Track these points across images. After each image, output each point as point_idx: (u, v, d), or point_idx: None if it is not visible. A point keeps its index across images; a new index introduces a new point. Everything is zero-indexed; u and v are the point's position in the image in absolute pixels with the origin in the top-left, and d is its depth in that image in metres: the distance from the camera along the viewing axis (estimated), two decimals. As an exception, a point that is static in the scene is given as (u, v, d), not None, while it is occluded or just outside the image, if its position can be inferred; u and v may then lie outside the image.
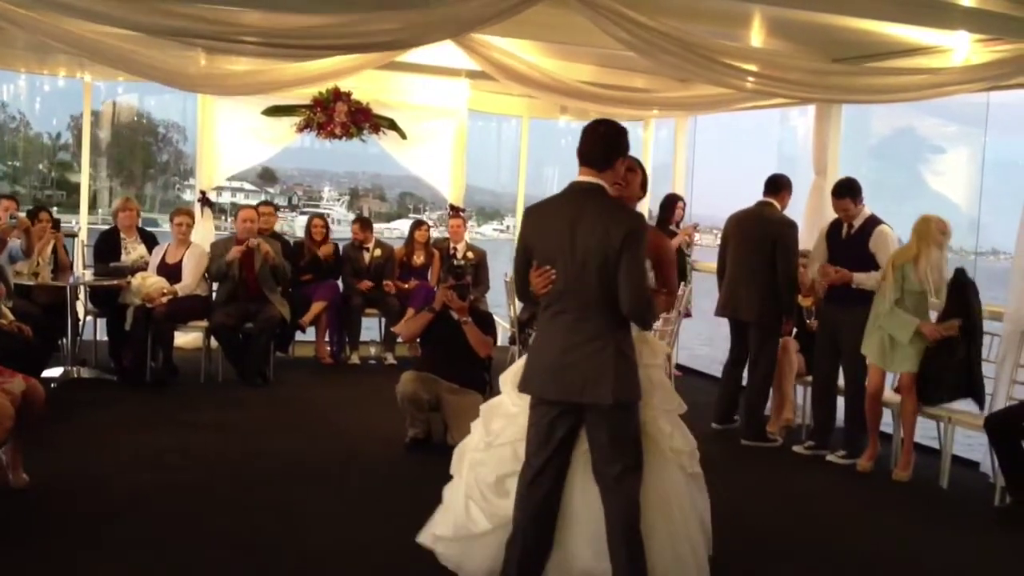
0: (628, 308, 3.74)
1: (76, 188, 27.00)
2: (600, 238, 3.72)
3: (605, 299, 3.75)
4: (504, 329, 9.63)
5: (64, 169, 29.24)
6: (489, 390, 6.86)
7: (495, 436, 4.25)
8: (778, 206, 7.38)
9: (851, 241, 6.83)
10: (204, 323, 8.29)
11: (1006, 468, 5.97)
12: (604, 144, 3.87)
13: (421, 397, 6.44)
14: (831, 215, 8.26)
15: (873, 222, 6.81)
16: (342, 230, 9.97)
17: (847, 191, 6.82)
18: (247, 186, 31.75)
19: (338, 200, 30.53)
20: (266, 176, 32.84)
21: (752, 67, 6.96)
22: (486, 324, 6.82)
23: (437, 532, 4.35)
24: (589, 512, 3.94)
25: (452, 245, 10.00)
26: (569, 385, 3.81)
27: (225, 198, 30.46)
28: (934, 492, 6.41)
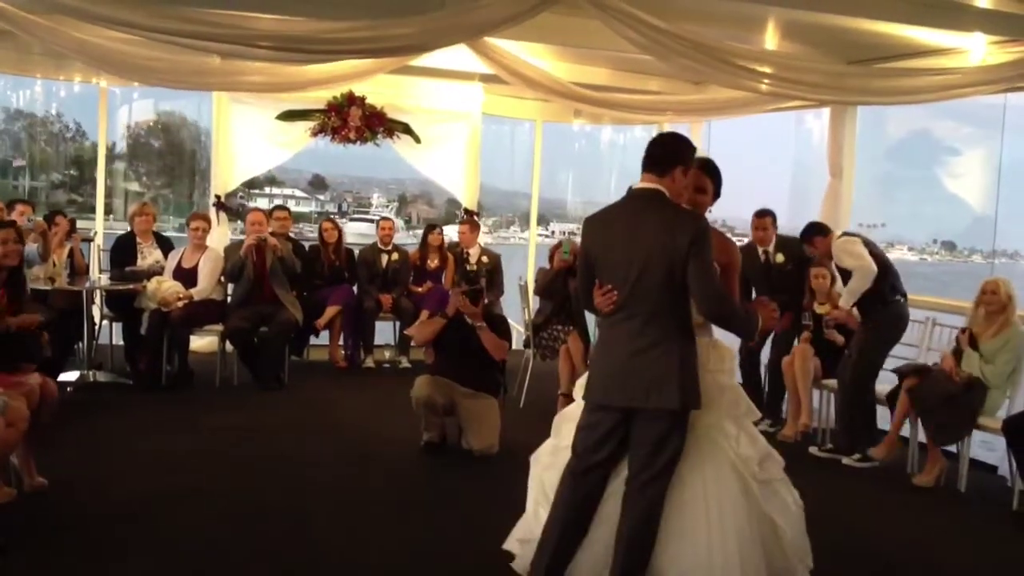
0: (707, 310, 3.80)
1: (134, 197, 27.43)
2: (664, 243, 3.75)
3: (670, 305, 3.79)
4: (519, 333, 9.62)
5: (119, 178, 29.94)
6: (504, 393, 6.88)
7: (563, 438, 4.24)
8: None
9: (841, 268, 6.97)
10: (219, 327, 8.32)
11: (1024, 472, 5.94)
12: (664, 152, 3.93)
13: (436, 401, 6.43)
14: (846, 219, 8.28)
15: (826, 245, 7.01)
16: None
17: (817, 231, 7.01)
18: (298, 193, 32.61)
19: (387, 206, 31.18)
20: (316, 183, 33.48)
21: (767, 69, 6.94)
22: (501, 328, 6.80)
23: (516, 537, 4.34)
24: (705, 527, 3.92)
25: (465, 250, 9.98)
26: (633, 391, 3.85)
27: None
28: (952, 496, 6.37)
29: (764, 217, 8.06)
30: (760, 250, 7.98)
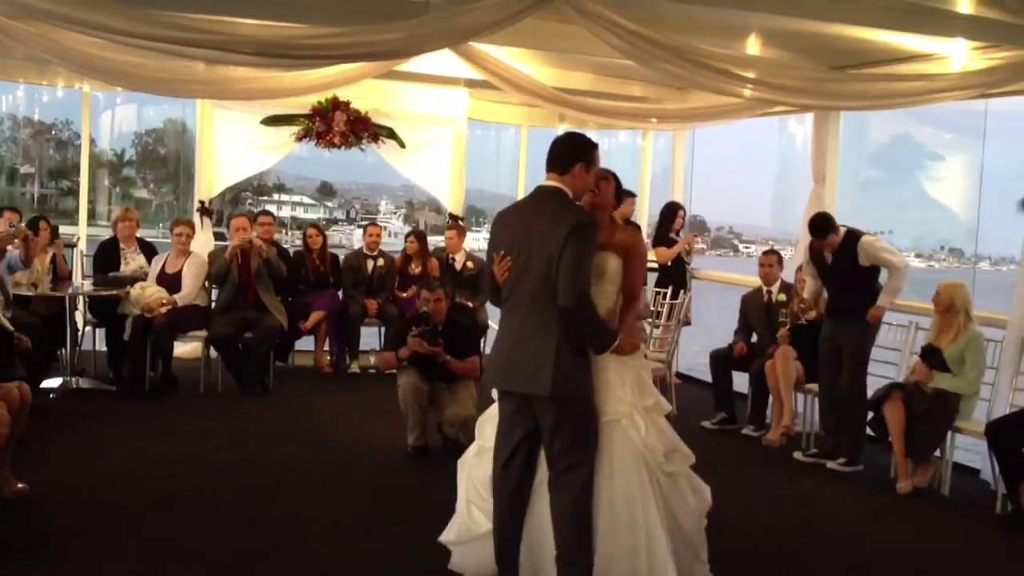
0: (562, 303, 3.88)
1: (141, 203, 27.44)
2: (547, 235, 3.93)
3: (551, 294, 3.91)
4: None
5: (128, 185, 30.12)
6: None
7: (486, 440, 4.39)
8: None
9: (839, 265, 6.89)
10: (203, 333, 8.30)
11: (1007, 475, 5.96)
12: (564, 150, 4.11)
13: (422, 388, 6.57)
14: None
15: (852, 238, 6.82)
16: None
17: (828, 228, 6.83)
18: (306, 200, 33.10)
19: (394, 213, 31.44)
20: (324, 190, 33.78)
21: (750, 74, 6.97)
22: (467, 344, 6.95)
23: (444, 538, 4.52)
24: (610, 515, 4.03)
25: (450, 255, 9.96)
26: (516, 376, 4.07)
27: (286, 212, 31.50)
28: (935, 499, 6.41)
29: (771, 255, 8.14)
30: (764, 289, 8.07)
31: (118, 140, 28.59)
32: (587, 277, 3.94)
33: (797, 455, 7.13)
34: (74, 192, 27.60)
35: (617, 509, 4.02)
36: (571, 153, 4.09)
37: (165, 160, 28.63)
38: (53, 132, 26.79)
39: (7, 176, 28.11)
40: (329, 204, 34.10)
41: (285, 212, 31.61)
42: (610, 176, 4.32)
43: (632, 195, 8.81)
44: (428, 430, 6.71)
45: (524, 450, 4.13)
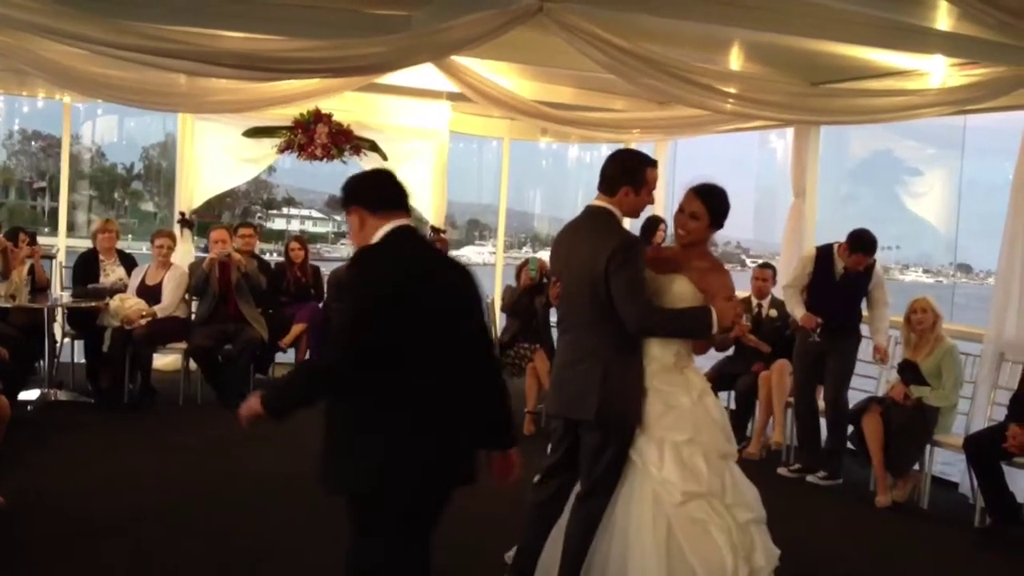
0: (630, 329, 3.83)
1: (147, 216, 27.43)
2: (588, 259, 3.87)
3: (596, 319, 3.88)
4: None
5: (136, 198, 30.24)
6: None
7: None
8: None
9: (848, 282, 6.84)
10: (183, 345, 8.25)
11: (985, 489, 5.99)
12: (611, 171, 4.00)
13: None
14: (810, 238, 8.33)
15: (872, 262, 6.82)
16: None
17: (872, 249, 6.72)
18: (315, 213, 33.30)
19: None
20: (333, 204, 33.97)
21: (731, 88, 7.01)
22: None
23: None
24: (623, 542, 3.92)
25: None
26: (562, 400, 4.09)
27: (295, 225, 31.63)
28: (914, 513, 6.43)
29: (765, 269, 8.16)
30: (755, 302, 8.06)
31: (127, 153, 28.89)
32: (642, 298, 3.82)
33: (781, 471, 7.13)
34: (83, 206, 27.70)
35: (630, 538, 3.89)
36: (618, 175, 3.98)
37: (166, 173, 28.90)
38: (62, 146, 27.07)
39: (17, 190, 28.12)
40: (338, 218, 34.38)
41: (294, 226, 31.90)
42: (701, 212, 4.03)
43: (662, 221, 8.80)
44: None
45: (562, 472, 4.17)
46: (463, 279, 3.29)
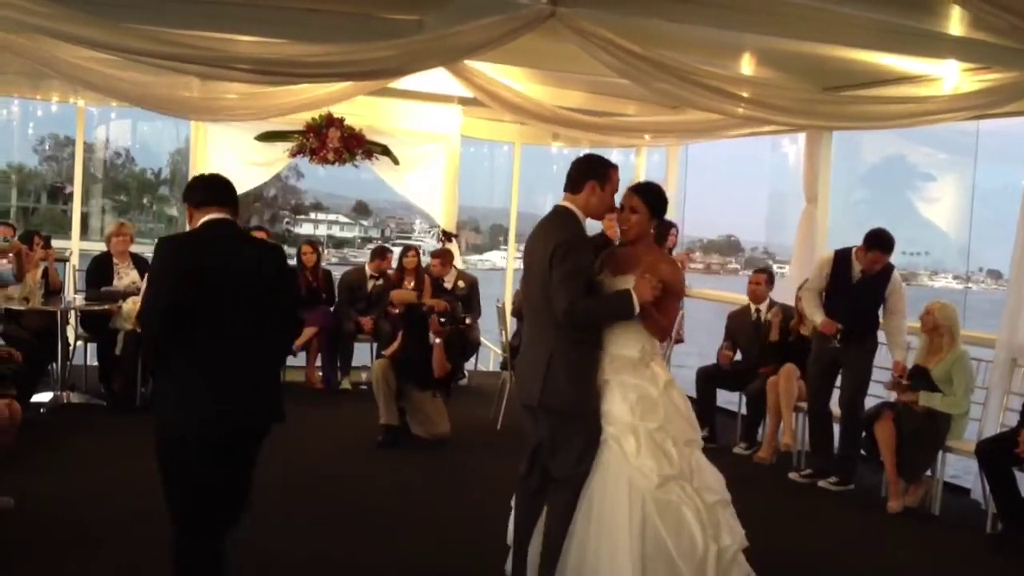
0: (560, 321, 4.02)
1: (172, 220, 27.73)
2: (540, 253, 4.10)
3: (546, 309, 4.07)
4: (496, 355, 9.59)
5: (163, 203, 30.56)
6: (447, 393, 7.64)
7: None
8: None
9: (866, 285, 6.80)
10: (195, 348, 8.25)
11: (997, 495, 5.98)
12: (577, 170, 4.23)
13: (391, 376, 7.26)
14: (822, 242, 8.30)
15: (890, 266, 6.80)
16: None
17: (889, 247, 6.72)
18: (342, 219, 34.15)
19: (429, 231, 32.14)
20: (360, 209, 34.25)
21: (743, 93, 7.00)
22: (454, 352, 7.69)
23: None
24: (598, 527, 4.05)
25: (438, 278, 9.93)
26: (520, 388, 4.36)
27: (322, 230, 31.76)
28: (926, 519, 6.41)
29: (761, 274, 8.17)
30: (753, 308, 8.07)
31: (155, 159, 29.15)
32: (572, 292, 4.00)
33: (793, 475, 7.12)
34: (116, 210, 27.92)
35: (604, 524, 4.03)
36: (583, 172, 4.21)
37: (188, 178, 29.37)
38: (94, 151, 27.23)
39: (48, 194, 28.34)
40: (364, 223, 34.64)
41: (321, 231, 32.21)
42: (640, 207, 4.30)
43: (673, 225, 8.80)
44: (401, 415, 7.33)
45: (538, 460, 4.28)
46: (269, 263, 3.88)
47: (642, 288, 4.07)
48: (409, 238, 30.77)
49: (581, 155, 4.45)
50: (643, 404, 4.15)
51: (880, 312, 6.84)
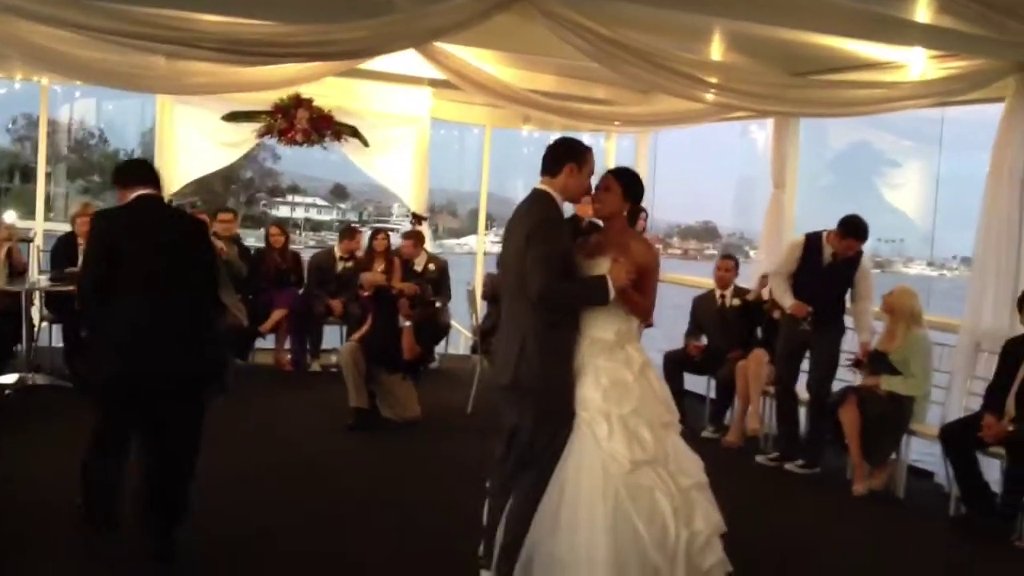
0: (535, 302, 4.04)
1: None
2: (517, 235, 4.12)
3: (522, 291, 4.07)
4: (467, 339, 9.59)
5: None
6: (417, 376, 7.75)
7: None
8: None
9: (836, 270, 6.85)
10: (162, 330, 8.19)
11: (960, 478, 6.06)
12: (554, 152, 4.25)
13: (360, 359, 7.31)
14: (790, 228, 8.36)
15: (859, 252, 6.84)
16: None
17: (865, 235, 6.77)
18: (319, 202, 33.86)
19: (406, 215, 31.97)
20: (338, 192, 34.09)
21: (713, 79, 7.02)
22: (423, 337, 7.66)
23: None
24: (573, 512, 4.04)
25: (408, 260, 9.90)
26: (496, 369, 4.37)
27: (299, 213, 31.49)
28: (890, 502, 6.49)
29: (728, 259, 8.20)
30: (718, 293, 8.11)
31: (123, 139, 28.84)
32: (547, 273, 4.00)
33: (760, 459, 7.18)
34: (89, 191, 27.52)
35: (580, 508, 4.01)
36: (561, 155, 4.22)
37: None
38: (71, 132, 26.78)
39: (21, 174, 27.99)
40: (342, 206, 34.50)
41: (299, 214, 32.00)
42: (615, 186, 4.32)
43: (643, 210, 8.81)
44: (370, 398, 7.39)
45: (516, 442, 4.24)
46: (190, 237, 4.58)
47: (617, 273, 4.09)
48: (387, 222, 30.72)
49: (557, 138, 4.45)
50: (616, 389, 4.14)
51: (848, 296, 6.91)
